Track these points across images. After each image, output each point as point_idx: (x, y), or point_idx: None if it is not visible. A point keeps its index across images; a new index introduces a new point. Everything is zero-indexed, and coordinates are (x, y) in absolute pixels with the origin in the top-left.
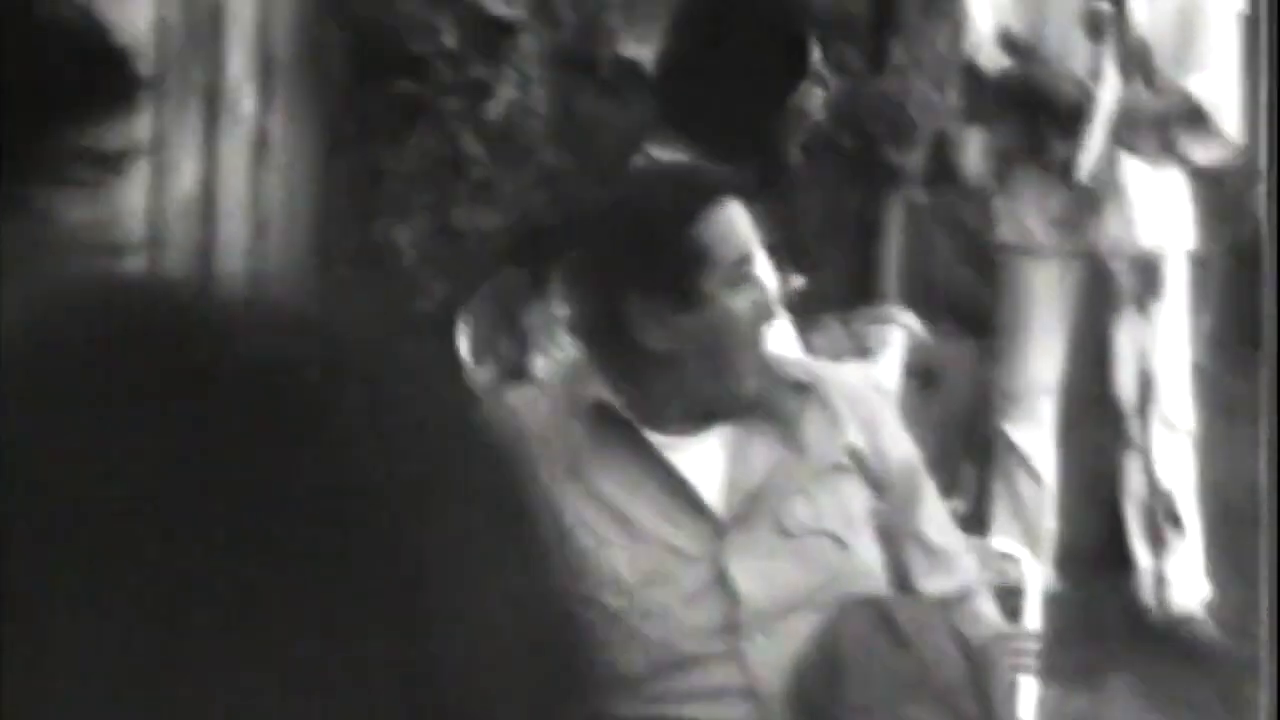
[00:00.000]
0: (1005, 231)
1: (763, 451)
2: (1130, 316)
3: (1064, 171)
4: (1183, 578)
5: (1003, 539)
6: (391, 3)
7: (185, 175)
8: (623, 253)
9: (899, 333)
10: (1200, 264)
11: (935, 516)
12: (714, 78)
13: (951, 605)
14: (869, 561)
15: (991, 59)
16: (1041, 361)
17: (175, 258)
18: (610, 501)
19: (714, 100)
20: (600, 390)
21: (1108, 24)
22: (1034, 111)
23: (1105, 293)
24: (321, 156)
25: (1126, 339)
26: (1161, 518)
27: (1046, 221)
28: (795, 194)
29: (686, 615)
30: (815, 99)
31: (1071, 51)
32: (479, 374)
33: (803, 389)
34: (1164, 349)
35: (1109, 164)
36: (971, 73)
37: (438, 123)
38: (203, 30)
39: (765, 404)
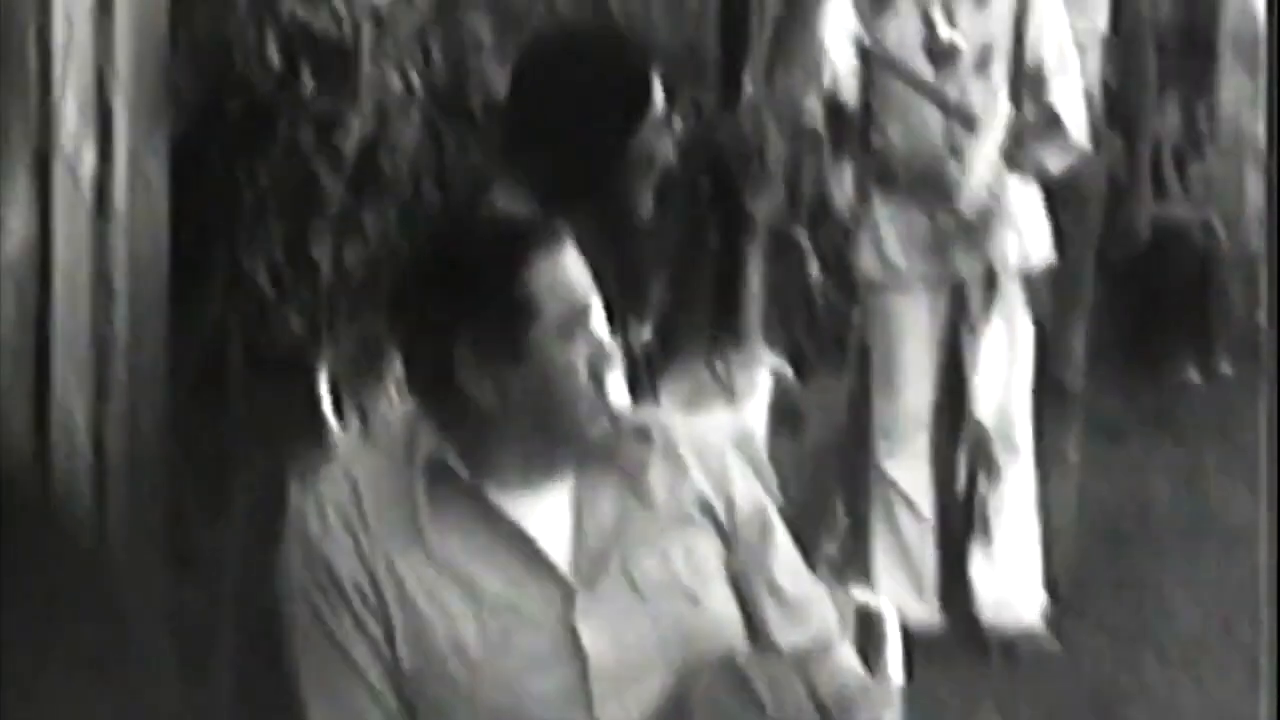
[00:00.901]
0: (868, 263)
1: (609, 505)
2: (989, 336)
3: (937, 199)
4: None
5: (864, 588)
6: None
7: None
8: (449, 305)
9: (765, 375)
10: (1067, 279)
11: (789, 566)
12: (552, 120)
13: (809, 659)
14: (723, 617)
15: (849, 90)
16: (914, 394)
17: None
18: (452, 566)
19: (553, 144)
20: (435, 446)
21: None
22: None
23: (964, 315)
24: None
25: (985, 360)
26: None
27: (914, 250)
28: (639, 240)
29: (535, 682)
30: (663, 141)
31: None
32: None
33: (646, 437)
34: (1022, 369)
35: (993, 187)
36: (831, 105)
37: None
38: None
39: (609, 454)
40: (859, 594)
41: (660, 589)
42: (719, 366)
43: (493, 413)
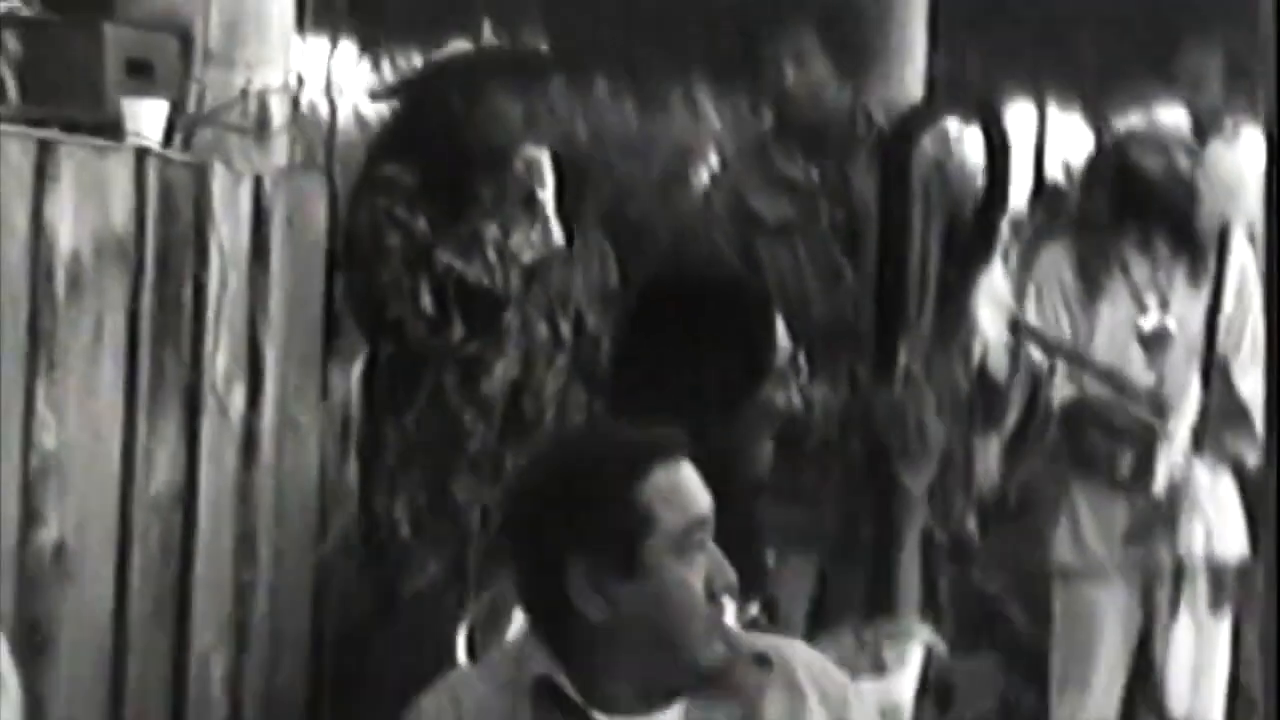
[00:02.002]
0: (1065, 552)
1: None
2: (1179, 633)
3: (1134, 486)
4: None
5: None
6: (379, 272)
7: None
8: (563, 517)
9: (916, 648)
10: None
11: None
12: (668, 373)
13: None
14: None
15: (999, 363)
16: (1104, 691)
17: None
18: None
19: (668, 400)
20: (544, 666)
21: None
22: (1095, 429)
23: (1154, 609)
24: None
25: (1175, 659)
26: None
27: (1113, 539)
28: (754, 503)
29: None
30: (788, 392)
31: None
32: None
33: (764, 662)
34: (1214, 670)
35: (1184, 473)
36: (980, 378)
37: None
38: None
39: (725, 678)
40: None
41: None
42: (868, 636)
43: (605, 631)
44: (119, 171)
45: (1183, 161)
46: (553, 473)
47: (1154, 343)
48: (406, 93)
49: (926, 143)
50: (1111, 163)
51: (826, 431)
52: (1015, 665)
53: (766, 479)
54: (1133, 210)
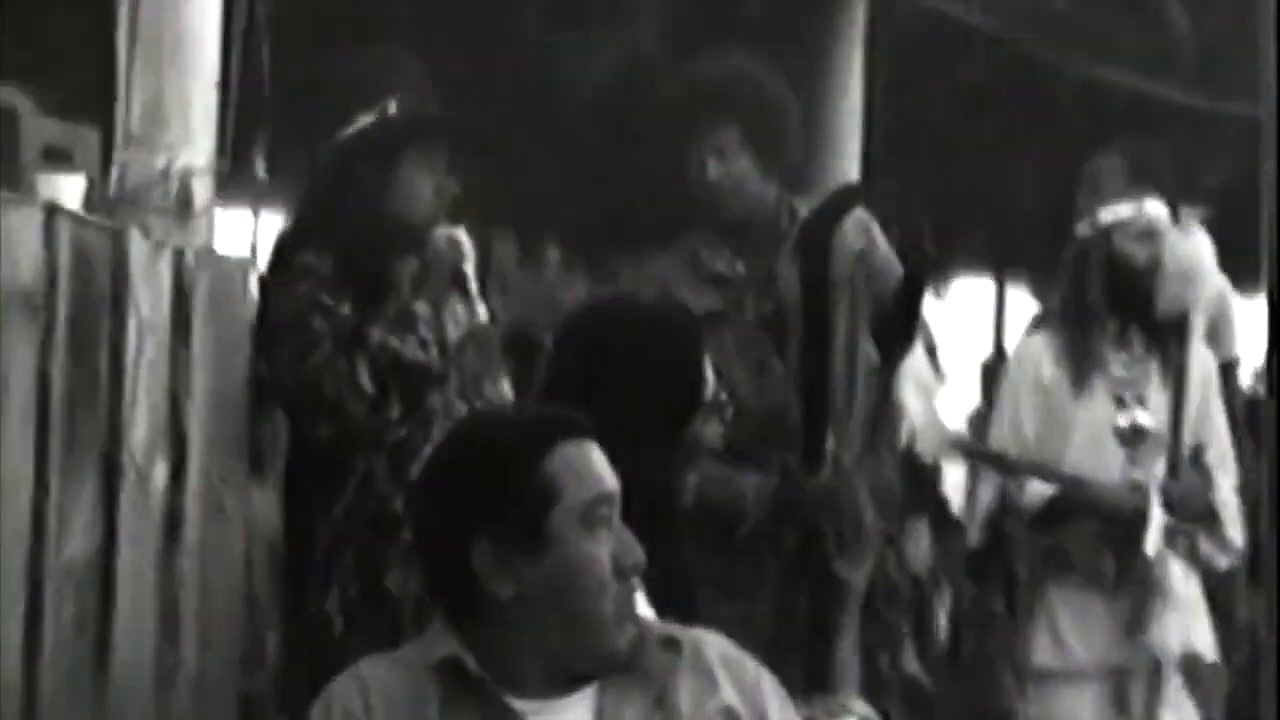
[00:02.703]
0: (1043, 653)
1: (632, 713)
2: None
3: (1118, 583)
4: None
5: None
6: (310, 354)
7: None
8: (467, 493)
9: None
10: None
11: None
12: (597, 408)
13: None
14: None
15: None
16: None
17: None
18: None
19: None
20: (450, 647)
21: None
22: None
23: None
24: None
25: None
26: None
27: (1091, 637)
28: (683, 540)
29: None
30: (712, 427)
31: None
32: None
33: (673, 644)
34: None
35: (1157, 569)
36: (907, 463)
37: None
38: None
39: (633, 662)
40: None
41: None
42: (804, 710)
43: (512, 610)
44: (28, 227)
45: (1163, 251)
46: (457, 450)
47: (1133, 439)
48: (316, 177)
49: (849, 233)
50: (1100, 251)
51: (759, 521)
52: None
53: (692, 514)
54: (1118, 300)
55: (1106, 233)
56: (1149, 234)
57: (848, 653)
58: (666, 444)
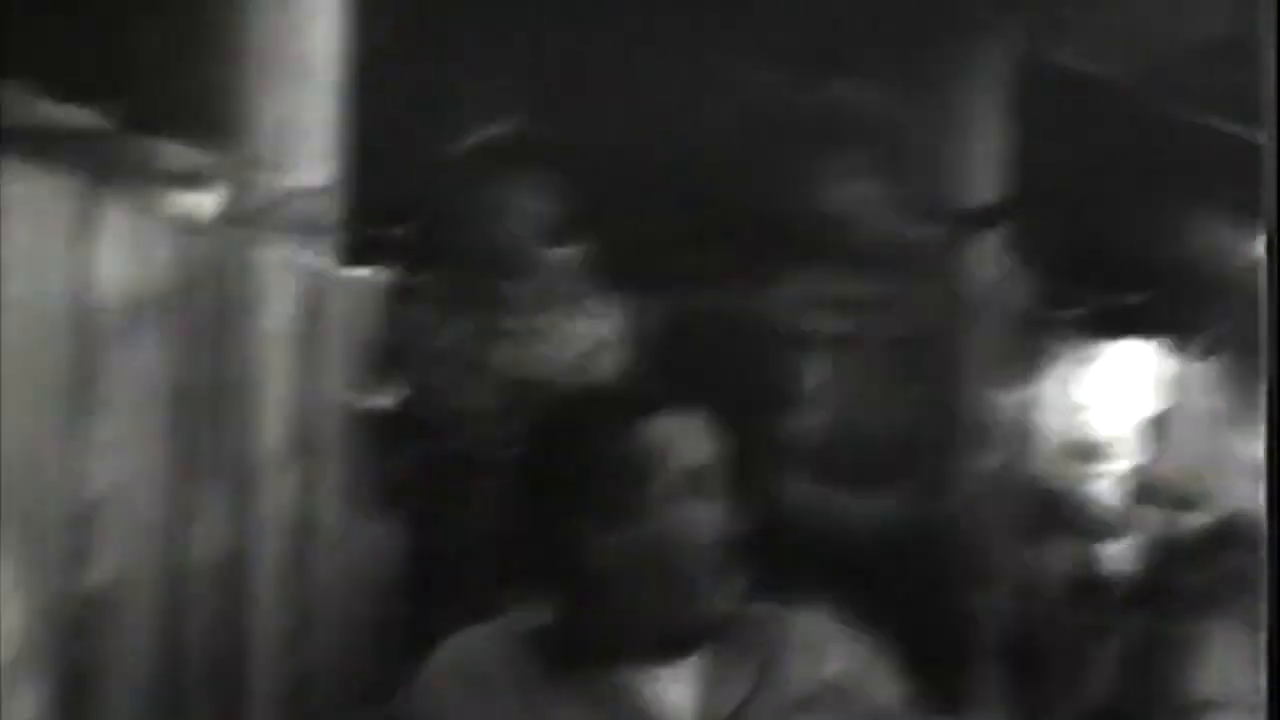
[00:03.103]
0: (1206, 686)
1: (735, 681)
2: None
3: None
4: None
5: None
6: (434, 372)
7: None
8: (567, 461)
9: None
10: None
11: None
12: None
13: None
14: None
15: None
16: None
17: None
18: None
19: None
20: (547, 618)
21: None
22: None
23: None
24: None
25: None
26: None
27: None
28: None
29: None
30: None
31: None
32: None
33: (779, 618)
34: None
35: None
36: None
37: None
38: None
39: (739, 629)
40: None
41: None
42: None
43: (610, 580)
44: (160, 240)
45: None
46: (558, 420)
47: None
48: (428, 198)
49: (979, 258)
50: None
51: (883, 546)
52: None
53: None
54: None
55: (1266, 261)
56: None
57: (980, 685)
58: (763, 436)
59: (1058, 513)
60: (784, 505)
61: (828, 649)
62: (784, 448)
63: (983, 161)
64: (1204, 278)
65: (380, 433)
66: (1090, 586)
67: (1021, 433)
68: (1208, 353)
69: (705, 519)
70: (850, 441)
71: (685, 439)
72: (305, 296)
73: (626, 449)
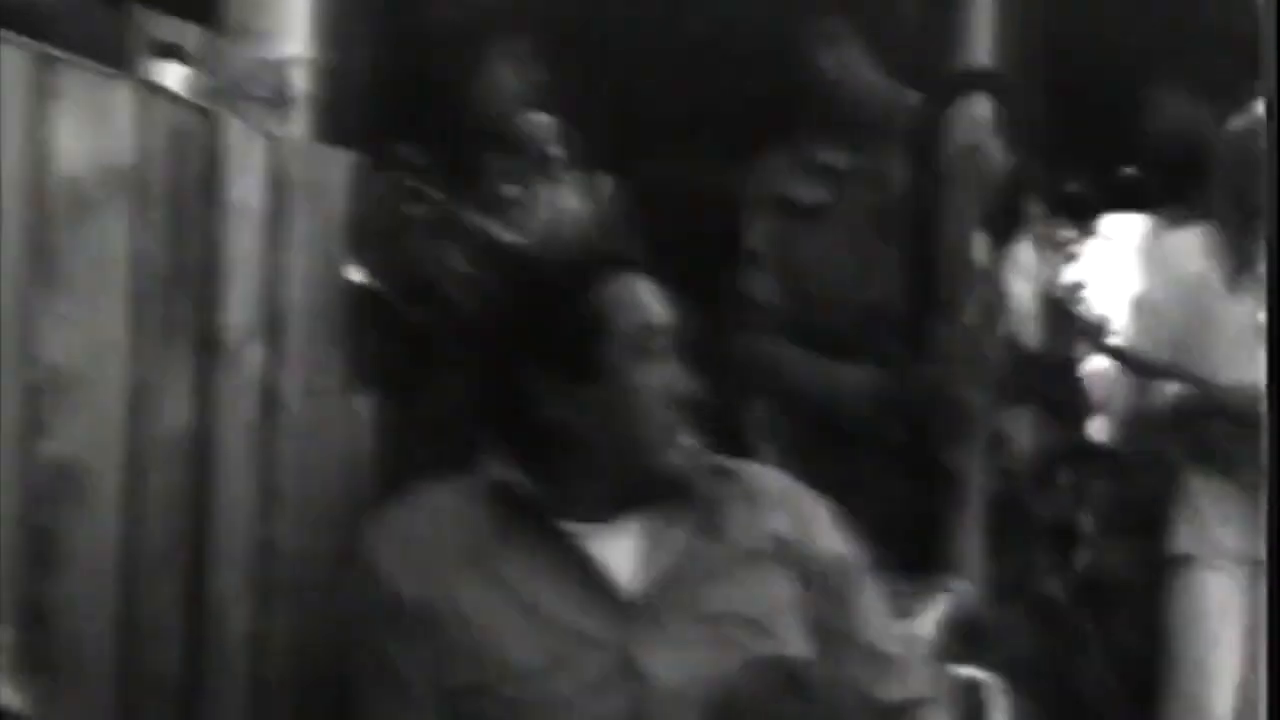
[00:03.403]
0: (1186, 542)
1: (679, 534)
2: None
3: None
4: None
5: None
6: (406, 239)
7: (172, 409)
8: (521, 321)
9: (945, 595)
10: None
11: (877, 621)
12: None
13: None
14: (797, 649)
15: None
16: (1227, 679)
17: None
18: (513, 587)
19: None
20: (502, 471)
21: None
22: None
23: None
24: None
25: None
26: None
27: (1230, 525)
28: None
29: (591, 704)
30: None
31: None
32: None
33: (725, 474)
34: None
35: None
36: (1012, 353)
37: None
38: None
39: (684, 486)
40: (962, 670)
41: (727, 618)
42: (897, 587)
43: (564, 435)
44: (124, 106)
45: None
46: (513, 282)
47: None
48: (401, 67)
49: (958, 124)
50: (1259, 144)
51: (864, 412)
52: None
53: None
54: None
55: (1266, 124)
56: None
57: (962, 544)
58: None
59: (1038, 379)
60: (754, 368)
61: (772, 504)
62: (751, 313)
63: (973, 28)
64: (1195, 150)
65: (351, 305)
66: (1071, 453)
67: (1002, 300)
68: (1197, 221)
69: (659, 378)
70: (825, 308)
71: (639, 301)
72: (274, 170)
73: (581, 310)
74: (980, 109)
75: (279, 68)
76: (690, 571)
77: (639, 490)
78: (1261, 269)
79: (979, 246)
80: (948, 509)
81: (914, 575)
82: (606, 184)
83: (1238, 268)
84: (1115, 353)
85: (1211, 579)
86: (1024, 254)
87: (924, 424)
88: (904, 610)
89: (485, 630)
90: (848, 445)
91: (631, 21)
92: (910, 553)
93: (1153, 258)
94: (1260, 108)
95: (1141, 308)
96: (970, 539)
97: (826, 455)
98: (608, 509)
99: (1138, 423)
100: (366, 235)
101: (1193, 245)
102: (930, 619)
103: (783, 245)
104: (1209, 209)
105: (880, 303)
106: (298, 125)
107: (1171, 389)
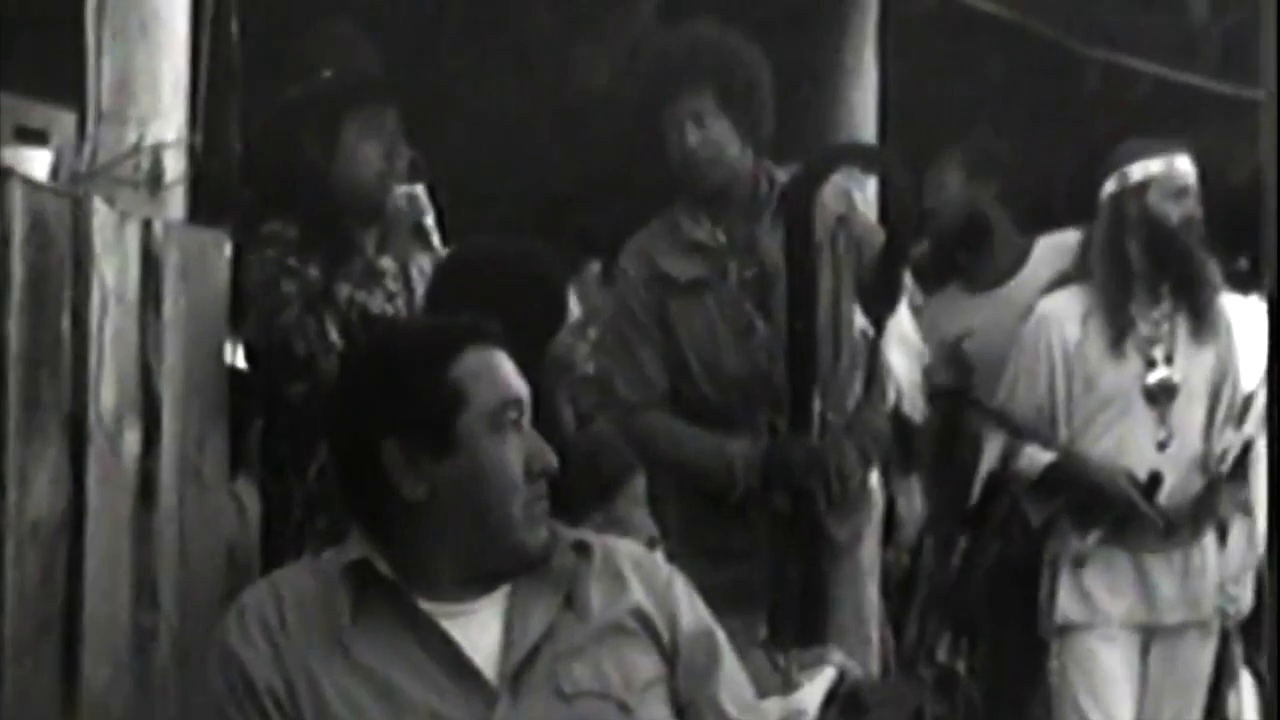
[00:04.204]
0: (1068, 606)
1: (541, 613)
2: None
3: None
4: None
5: None
6: (281, 316)
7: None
8: (378, 397)
9: (830, 669)
10: None
11: (737, 693)
12: None
13: None
14: None
15: (915, 407)
16: None
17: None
18: (373, 671)
19: None
20: (361, 549)
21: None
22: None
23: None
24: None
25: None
26: None
27: (1115, 593)
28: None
29: None
30: (580, 347)
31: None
32: None
33: (584, 549)
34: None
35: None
36: (897, 423)
37: None
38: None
39: (544, 563)
40: None
41: (588, 697)
42: (780, 660)
43: (423, 513)
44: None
45: (1195, 210)
46: (368, 356)
47: (1161, 398)
48: (267, 146)
49: (829, 198)
50: (1135, 208)
51: (749, 483)
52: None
53: (600, 443)
54: (1154, 258)
55: (1140, 189)
56: (1182, 191)
57: (844, 611)
58: (536, 358)
59: (915, 447)
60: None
61: (631, 577)
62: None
63: (853, 102)
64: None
65: (230, 385)
66: (956, 521)
67: (880, 369)
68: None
69: (514, 453)
70: (706, 381)
71: (496, 374)
72: (147, 252)
73: (436, 383)
74: (854, 182)
75: (151, 151)
76: (552, 649)
77: (500, 566)
78: (1144, 330)
79: (857, 318)
80: (830, 572)
81: (799, 646)
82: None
83: (1119, 331)
84: (995, 418)
85: (1100, 647)
86: (903, 324)
87: (808, 494)
88: (787, 683)
89: (343, 715)
90: (732, 516)
91: (503, 100)
92: (796, 624)
93: (1029, 324)
94: (1137, 170)
95: (1019, 372)
96: (858, 609)
97: (711, 526)
98: (469, 587)
99: (1017, 489)
100: (242, 314)
101: (1067, 310)
102: (815, 691)
103: (662, 320)
104: (1087, 272)
105: (761, 375)
106: (171, 207)
107: (1046, 455)
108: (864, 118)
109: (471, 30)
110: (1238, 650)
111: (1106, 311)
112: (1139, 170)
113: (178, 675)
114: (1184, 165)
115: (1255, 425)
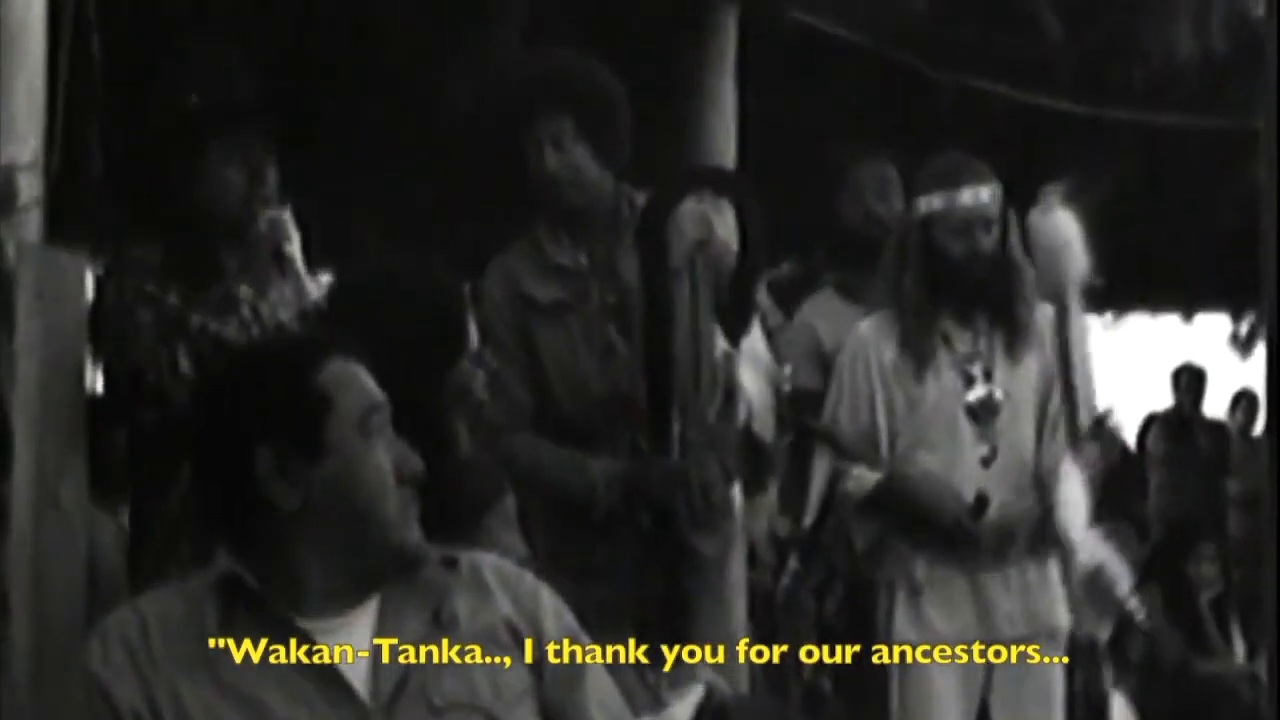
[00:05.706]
0: (903, 629)
1: (411, 627)
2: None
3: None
4: None
5: None
6: (135, 344)
7: None
8: (245, 407)
9: (698, 687)
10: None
11: (605, 702)
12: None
13: None
14: None
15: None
16: None
17: None
18: (242, 689)
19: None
20: (229, 564)
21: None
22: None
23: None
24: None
25: None
26: None
27: (951, 614)
28: (460, 477)
29: None
30: (478, 376)
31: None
32: None
33: (451, 563)
34: None
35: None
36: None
37: None
38: None
39: (412, 577)
40: None
41: (459, 709)
42: (650, 677)
43: (295, 523)
44: None
45: (984, 240)
46: (236, 368)
47: (983, 414)
48: (132, 170)
49: (684, 222)
50: (915, 243)
51: (613, 504)
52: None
53: (469, 464)
54: (940, 290)
55: (923, 224)
56: (965, 226)
57: (711, 628)
58: (430, 386)
59: (770, 466)
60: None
61: (498, 590)
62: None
63: (713, 125)
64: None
65: (86, 412)
66: (797, 541)
67: (734, 389)
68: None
69: (383, 457)
70: (568, 401)
71: (358, 381)
72: (6, 276)
73: (303, 390)
74: (709, 204)
75: (6, 172)
76: (421, 663)
77: (378, 569)
78: (961, 348)
79: (714, 338)
80: (696, 588)
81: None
82: (331, 279)
83: (925, 353)
84: (822, 437)
85: (934, 669)
86: (756, 345)
87: (671, 512)
88: (656, 700)
89: None
90: (598, 535)
91: (370, 122)
92: (663, 641)
93: (846, 352)
94: (921, 204)
95: (841, 394)
96: (725, 626)
97: (577, 546)
98: (339, 599)
99: (845, 511)
100: (99, 339)
101: (879, 336)
102: (684, 709)
103: (525, 342)
104: (892, 296)
105: (621, 395)
106: (27, 229)
107: (872, 476)
108: (724, 142)
109: (341, 51)
110: (1106, 674)
111: (911, 333)
112: (923, 204)
113: (32, 702)
114: (971, 198)
115: (1109, 444)
